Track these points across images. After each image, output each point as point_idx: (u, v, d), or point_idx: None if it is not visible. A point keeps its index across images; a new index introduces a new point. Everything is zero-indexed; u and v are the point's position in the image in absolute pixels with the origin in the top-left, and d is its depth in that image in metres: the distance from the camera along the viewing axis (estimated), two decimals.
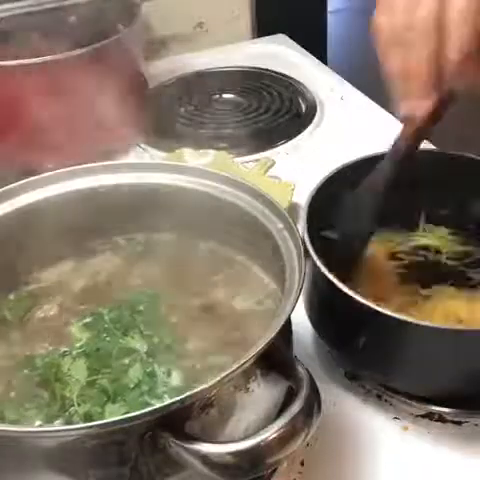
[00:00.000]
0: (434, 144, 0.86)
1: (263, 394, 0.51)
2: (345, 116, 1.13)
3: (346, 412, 0.67)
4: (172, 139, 1.06)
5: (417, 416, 0.67)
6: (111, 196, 0.66)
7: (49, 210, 0.64)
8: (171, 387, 0.55)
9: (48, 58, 0.92)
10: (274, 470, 0.60)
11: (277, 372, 0.50)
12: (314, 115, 1.13)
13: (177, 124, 1.12)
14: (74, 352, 0.58)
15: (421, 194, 0.74)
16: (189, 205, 0.65)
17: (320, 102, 1.17)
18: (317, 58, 1.31)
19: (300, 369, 0.48)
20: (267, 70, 1.26)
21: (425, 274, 0.73)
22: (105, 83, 0.97)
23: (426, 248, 0.76)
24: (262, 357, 0.47)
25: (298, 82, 1.22)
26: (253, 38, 1.42)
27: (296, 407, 0.45)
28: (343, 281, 0.61)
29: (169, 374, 0.56)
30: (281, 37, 1.38)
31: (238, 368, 0.46)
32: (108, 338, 0.59)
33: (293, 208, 0.86)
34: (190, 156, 0.94)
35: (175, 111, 1.15)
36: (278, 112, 1.14)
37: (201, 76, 1.25)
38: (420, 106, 0.58)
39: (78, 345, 0.59)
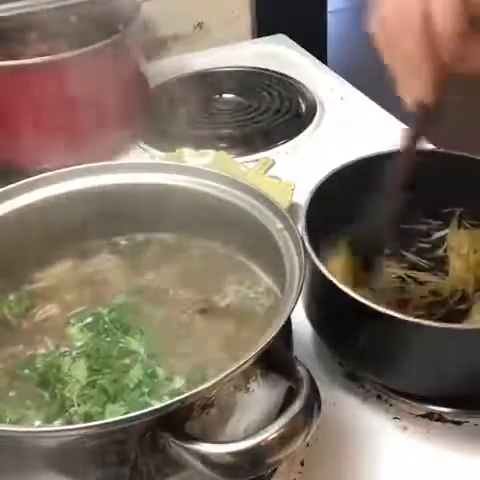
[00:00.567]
0: (434, 144, 0.86)
1: (263, 394, 0.51)
2: (345, 116, 1.13)
3: (346, 412, 0.67)
4: (172, 139, 1.06)
5: (417, 416, 0.67)
6: (111, 196, 0.66)
7: (49, 210, 0.64)
8: (171, 387, 0.55)
9: (48, 58, 0.92)
10: (274, 470, 0.60)
11: (277, 372, 0.50)
12: (314, 115, 1.13)
13: (177, 124, 1.11)
14: (74, 352, 0.58)
15: (421, 194, 0.74)
16: (189, 205, 0.65)
17: (320, 102, 1.16)
18: (317, 58, 1.30)
19: (300, 369, 0.48)
20: (267, 70, 1.25)
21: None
22: (105, 83, 0.98)
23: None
24: (262, 357, 0.47)
25: (298, 82, 1.21)
26: (253, 38, 1.42)
27: (296, 407, 0.45)
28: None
29: (169, 374, 0.56)
30: (281, 37, 1.38)
31: (238, 368, 0.46)
32: (108, 338, 0.59)
33: (293, 208, 0.86)
34: (190, 156, 0.94)
35: (175, 111, 1.15)
36: (278, 112, 1.14)
37: (201, 76, 1.25)
38: (423, 85, 0.56)
39: (78, 345, 0.59)
